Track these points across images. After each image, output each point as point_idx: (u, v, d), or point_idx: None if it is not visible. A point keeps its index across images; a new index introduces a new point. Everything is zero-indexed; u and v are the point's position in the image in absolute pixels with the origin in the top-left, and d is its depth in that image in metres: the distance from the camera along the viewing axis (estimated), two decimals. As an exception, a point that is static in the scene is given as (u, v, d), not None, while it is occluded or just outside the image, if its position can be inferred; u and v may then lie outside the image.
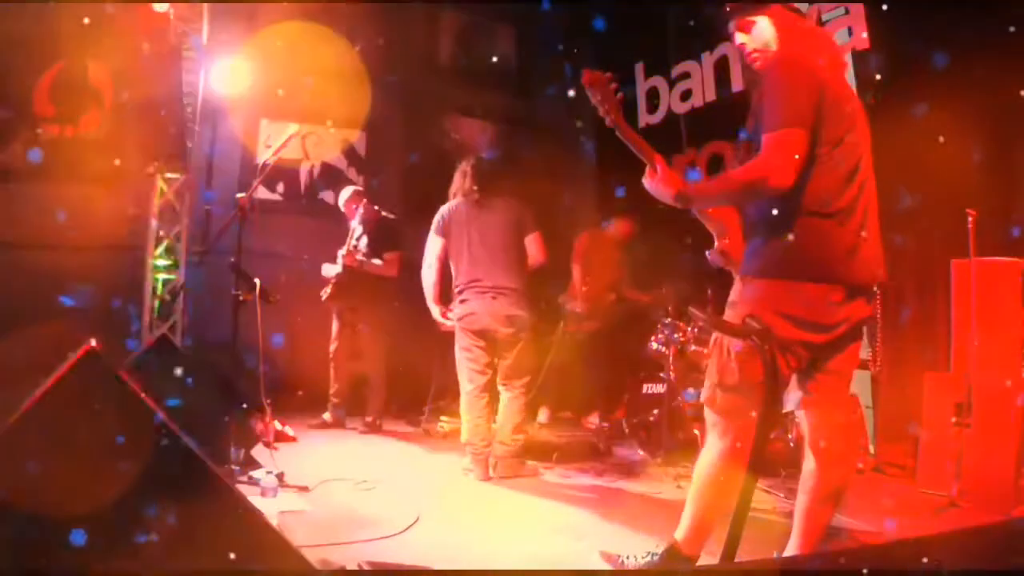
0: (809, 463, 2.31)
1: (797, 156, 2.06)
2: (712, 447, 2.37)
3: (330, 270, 5.32)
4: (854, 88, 5.00)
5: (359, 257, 5.14)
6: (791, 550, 2.25)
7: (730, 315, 2.32)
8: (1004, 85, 3.84)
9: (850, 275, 2.16)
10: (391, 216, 5.45)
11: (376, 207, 5.43)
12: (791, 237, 2.16)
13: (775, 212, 2.19)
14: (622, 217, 6.00)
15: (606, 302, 5.88)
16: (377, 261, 5.18)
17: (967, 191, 3.95)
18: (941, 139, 4.05)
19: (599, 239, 6.01)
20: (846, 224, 2.16)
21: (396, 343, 5.42)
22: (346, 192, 5.50)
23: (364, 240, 5.25)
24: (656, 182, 2.26)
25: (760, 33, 2.29)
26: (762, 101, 2.15)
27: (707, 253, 2.58)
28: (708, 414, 2.39)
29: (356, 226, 5.29)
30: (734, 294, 2.38)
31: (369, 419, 5.26)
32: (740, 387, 2.24)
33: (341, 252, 5.18)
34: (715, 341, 2.36)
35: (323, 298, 5.27)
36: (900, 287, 4.69)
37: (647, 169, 2.29)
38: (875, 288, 2.36)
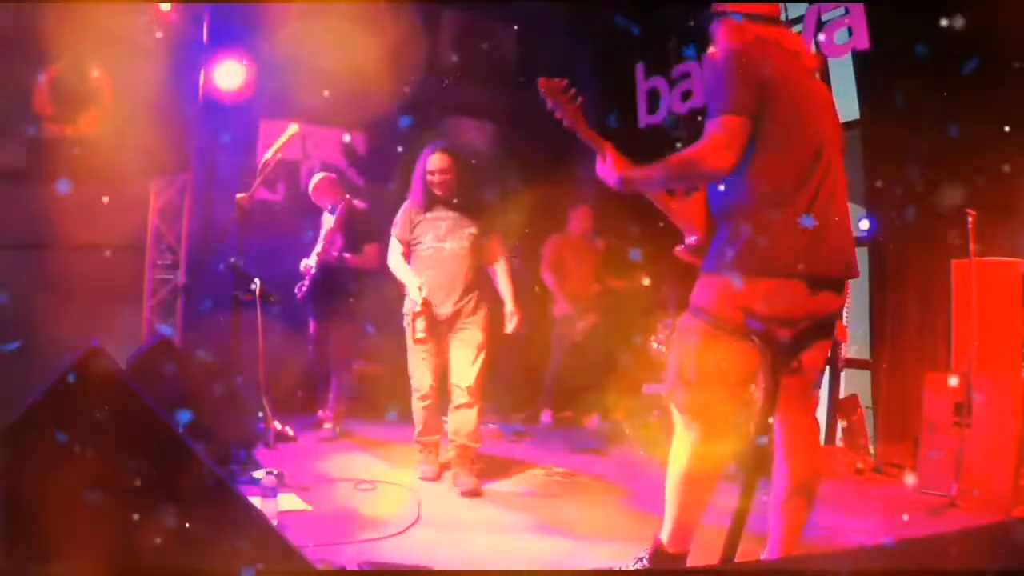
0: (776, 463, 2.26)
1: (734, 141, 2.11)
2: (680, 442, 2.33)
3: (305, 264, 4.93)
4: (854, 87, 5.03)
5: (335, 253, 4.77)
6: (770, 552, 2.23)
7: (691, 312, 2.31)
8: (1004, 84, 3.85)
9: (810, 268, 2.11)
10: (361, 205, 5.00)
11: (347, 195, 5.01)
12: (745, 229, 2.16)
13: (730, 204, 2.22)
14: (577, 208, 6.05)
15: (591, 294, 5.89)
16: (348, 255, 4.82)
17: (967, 191, 3.95)
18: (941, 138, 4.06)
19: (566, 239, 6.03)
20: (804, 215, 2.12)
21: (395, 344, 5.36)
22: (318, 176, 5.09)
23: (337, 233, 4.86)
24: (605, 168, 2.31)
25: (718, 39, 2.32)
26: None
27: (676, 250, 2.53)
28: (673, 409, 2.37)
29: (329, 217, 4.95)
30: (696, 290, 2.35)
31: (328, 423, 4.95)
32: (700, 383, 2.24)
33: (316, 251, 4.82)
34: (676, 337, 2.35)
35: (298, 296, 4.87)
36: (900, 286, 4.69)
37: (598, 156, 2.33)
38: (845, 280, 2.28)
